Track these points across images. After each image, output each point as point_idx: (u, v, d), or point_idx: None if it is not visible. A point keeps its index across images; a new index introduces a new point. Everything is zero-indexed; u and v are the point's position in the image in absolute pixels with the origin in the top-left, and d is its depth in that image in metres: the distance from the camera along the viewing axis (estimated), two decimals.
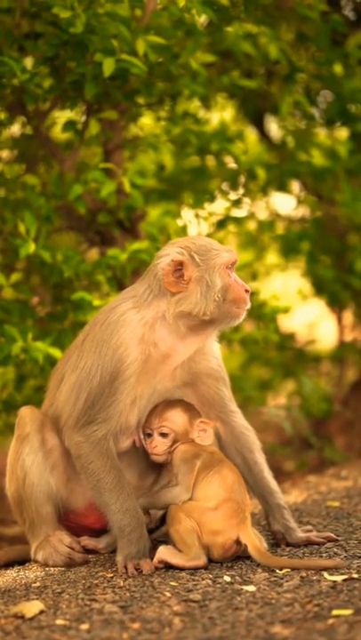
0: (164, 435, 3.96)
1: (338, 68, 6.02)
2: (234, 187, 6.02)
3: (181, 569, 3.79)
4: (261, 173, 5.79)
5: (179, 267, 3.89)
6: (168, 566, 3.83)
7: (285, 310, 5.85)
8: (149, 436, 3.99)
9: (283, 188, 6.78)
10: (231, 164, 5.87)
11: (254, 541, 3.82)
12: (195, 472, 3.89)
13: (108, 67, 4.58)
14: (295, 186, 7.19)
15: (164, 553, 3.83)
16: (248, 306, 3.97)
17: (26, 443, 4.14)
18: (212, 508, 3.81)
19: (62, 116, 5.53)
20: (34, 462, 4.12)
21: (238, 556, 3.90)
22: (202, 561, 3.80)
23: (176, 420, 3.97)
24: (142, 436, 4.01)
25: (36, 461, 4.12)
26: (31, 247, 4.68)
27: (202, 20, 5.48)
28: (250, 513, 3.88)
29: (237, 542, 3.83)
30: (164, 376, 3.99)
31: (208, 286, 3.89)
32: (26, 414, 4.22)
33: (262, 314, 5.66)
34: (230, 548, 3.83)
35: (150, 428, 3.99)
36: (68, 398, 4.02)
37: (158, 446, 3.96)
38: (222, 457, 4.01)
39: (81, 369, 3.99)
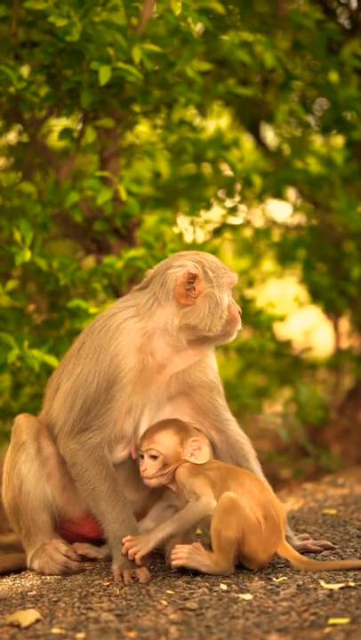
0: (153, 457, 3.88)
1: (333, 76, 6.04)
2: (230, 194, 6.04)
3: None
4: (257, 181, 5.80)
5: (191, 279, 3.90)
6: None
7: (281, 319, 5.86)
8: (142, 457, 3.93)
9: (279, 195, 6.79)
10: (227, 172, 5.88)
11: (294, 554, 3.80)
12: (210, 481, 3.81)
13: (105, 75, 4.59)
14: (291, 193, 7.21)
15: (189, 559, 3.74)
16: (240, 327, 4.01)
17: (22, 451, 4.14)
18: (262, 526, 3.72)
19: (58, 123, 5.54)
20: (30, 470, 4.11)
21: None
22: (229, 573, 3.77)
23: (165, 442, 3.86)
24: (138, 457, 3.98)
25: (32, 470, 4.11)
26: (27, 255, 4.68)
27: (198, 28, 5.49)
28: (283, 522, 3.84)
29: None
30: (159, 385, 3.98)
31: (217, 304, 3.92)
32: (22, 422, 4.21)
33: (258, 322, 5.67)
34: (266, 563, 3.82)
35: (140, 449, 3.92)
36: (63, 405, 4.02)
37: (148, 469, 3.87)
38: (233, 469, 3.91)
39: (77, 375, 3.99)
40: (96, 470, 3.90)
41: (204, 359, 4.07)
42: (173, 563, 3.76)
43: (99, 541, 4.11)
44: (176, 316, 3.90)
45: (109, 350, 3.92)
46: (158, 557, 4.10)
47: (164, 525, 3.79)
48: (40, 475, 4.11)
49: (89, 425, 3.91)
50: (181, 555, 3.75)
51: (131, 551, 3.75)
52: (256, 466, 4.11)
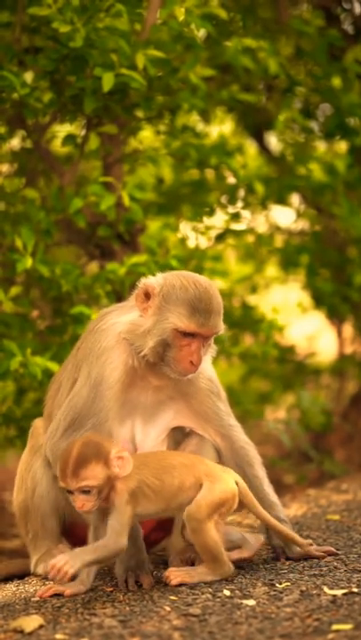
0: (85, 492, 3.56)
1: (336, 82, 6.05)
2: (233, 200, 6.04)
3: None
4: (260, 188, 5.81)
5: (147, 293, 3.88)
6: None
7: (281, 329, 5.86)
8: (70, 492, 3.60)
9: (282, 201, 6.80)
10: (230, 178, 5.88)
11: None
12: (132, 512, 3.64)
13: (108, 81, 4.60)
14: (294, 199, 7.22)
15: (189, 577, 3.74)
16: (190, 375, 3.88)
17: (39, 454, 4.14)
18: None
19: (62, 129, 5.54)
20: (45, 474, 4.11)
21: (239, 567, 3.88)
22: (230, 573, 3.78)
23: (94, 474, 3.56)
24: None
25: (47, 474, 4.11)
26: (28, 262, 4.68)
27: (201, 34, 5.50)
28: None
29: None
30: (146, 391, 3.98)
31: (151, 331, 3.84)
32: (39, 426, 4.22)
33: (259, 329, 5.67)
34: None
35: (68, 488, 3.58)
36: (62, 407, 4.02)
37: (85, 504, 3.56)
38: (159, 461, 3.75)
39: (74, 379, 4.01)
40: None
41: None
42: (173, 582, 3.72)
43: None
44: (134, 320, 3.90)
45: (95, 350, 3.94)
46: (162, 563, 4.11)
47: (86, 550, 3.60)
48: (54, 479, 4.09)
49: (82, 425, 3.89)
50: (177, 576, 3.75)
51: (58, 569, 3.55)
52: (261, 471, 4.10)
